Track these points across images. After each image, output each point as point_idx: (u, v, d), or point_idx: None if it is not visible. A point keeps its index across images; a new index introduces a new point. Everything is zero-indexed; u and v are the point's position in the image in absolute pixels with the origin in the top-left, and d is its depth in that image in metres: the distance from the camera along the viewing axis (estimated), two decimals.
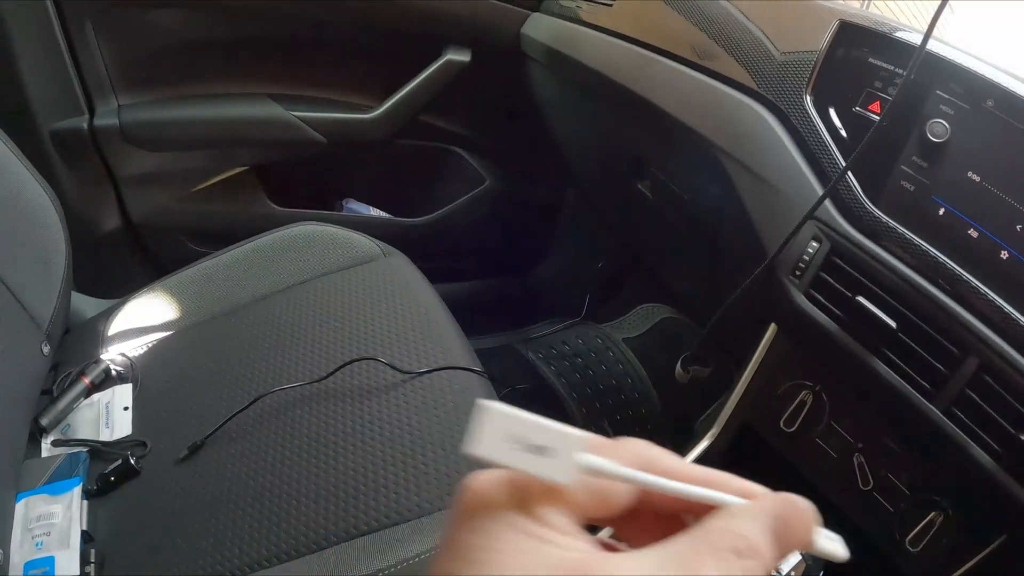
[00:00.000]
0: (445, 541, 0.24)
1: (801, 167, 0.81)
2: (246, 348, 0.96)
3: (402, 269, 1.07)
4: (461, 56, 1.34)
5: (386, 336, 0.95)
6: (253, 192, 1.43)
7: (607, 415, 1.47)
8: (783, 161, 0.82)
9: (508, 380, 1.47)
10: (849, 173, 0.77)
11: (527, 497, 0.25)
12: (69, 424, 0.91)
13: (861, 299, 0.74)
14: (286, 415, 0.87)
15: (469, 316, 1.39)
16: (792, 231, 0.77)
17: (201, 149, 1.36)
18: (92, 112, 1.25)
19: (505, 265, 1.68)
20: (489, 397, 0.93)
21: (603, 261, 1.67)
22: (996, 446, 0.71)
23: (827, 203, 0.78)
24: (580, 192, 1.61)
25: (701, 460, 0.94)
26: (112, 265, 1.40)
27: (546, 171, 1.58)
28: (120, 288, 1.14)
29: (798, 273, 0.79)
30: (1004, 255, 0.70)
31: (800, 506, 0.27)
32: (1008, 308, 0.69)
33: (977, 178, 0.72)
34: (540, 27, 1.30)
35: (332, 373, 0.89)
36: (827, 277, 0.77)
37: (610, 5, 1.18)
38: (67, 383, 0.93)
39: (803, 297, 0.79)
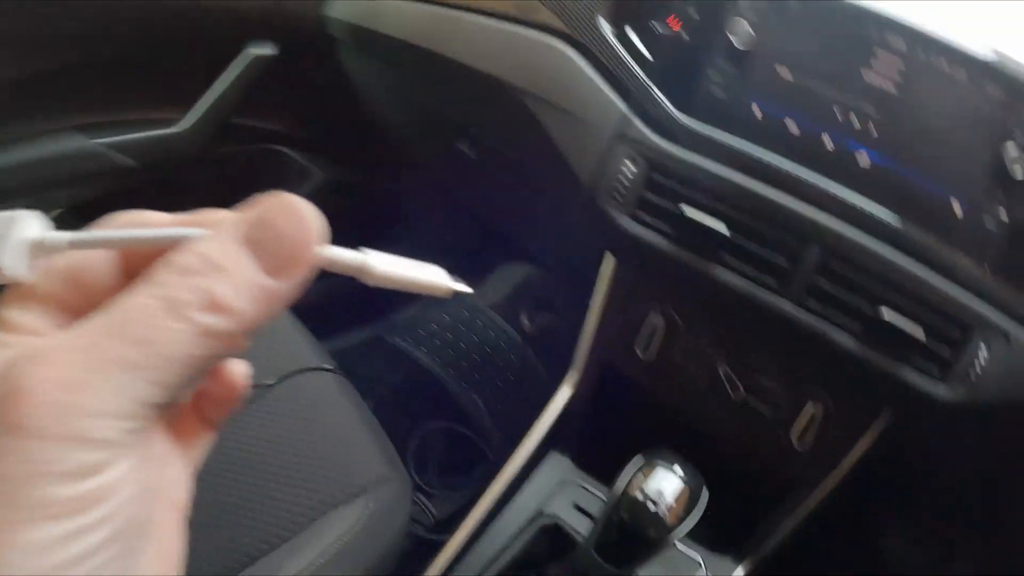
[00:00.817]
0: None
1: (605, 93, 0.78)
2: None
3: None
4: (265, 50, 1.25)
5: None
6: None
7: (489, 384, 1.44)
8: (585, 89, 0.79)
9: (381, 372, 1.43)
10: (655, 89, 0.76)
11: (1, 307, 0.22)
12: None
13: (686, 207, 0.72)
14: None
15: (327, 316, 1.32)
16: (604, 154, 0.75)
17: (9, 199, 1.23)
18: None
19: None
20: (343, 393, 0.88)
21: (451, 233, 1.64)
22: (854, 325, 0.71)
23: (638, 123, 0.76)
24: (414, 167, 1.56)
25: (569, 408, 0.91)
26: None
27: (377, 154, 1.51)
28: None
29: (619, 198, 0.77)
30: (827, 143, 0.71)
31: (295, 207, 0.23)
32: (838, 191, 0.70)
33: (788, 73, 0.73)
34: (343, 6, 1.23)
35: None
36: (650, 195, 0.75)
37: None
38: None
39: (629, 220, 0.76)
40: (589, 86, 0.79)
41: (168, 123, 1.26)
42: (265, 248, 0.22)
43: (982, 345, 0.69)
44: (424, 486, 1.27)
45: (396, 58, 1.14)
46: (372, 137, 1.42)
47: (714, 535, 0.89)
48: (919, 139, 0.70)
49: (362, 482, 0.78)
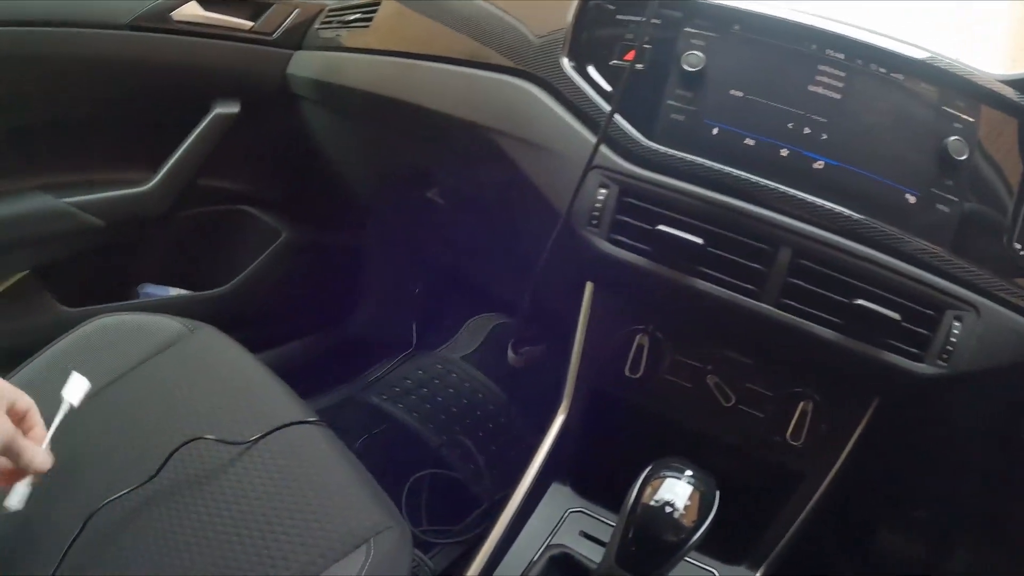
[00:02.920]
0: None
1: (573, 125, 0.82)
2: (62, 465, 0.84)
3: (212, 341, 0.99)
4: (230, 108, 1.27)
5: (210, 413, 0.87)
6: (38, 298, 1.27)
7: (469, 435, 1.44)
8: (554, 124, 0.83)
9: (360, 430, 1.42)
10: (620, 118, 0.80)
11: None
12: None
13: (663, 227, 0.76)
14: (124, 528, 0.77)
15: (301, 377, 1.33)
16: (578, 183, 0.78)
17: None
18: None
19: (323, 316, 1.60)
20: (331, 444, 0.86)
21: (419, 286, 1.64)
22: (833, 318, 0.75)
23: (606, 150, 0.80)
24: (379, 222, 1.58)
25: (564, 437, 0.93)
26: None
27: (341, 210, 1.53)
28: None
29: (595, 223, 0.80)
30: (783, 152, 0.77)
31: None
32: (800, 195, 0.75)
33: (740, 93, 0.78)
34: (305, 64, 1.26)
35: (161, 468, 0.80)
36: (625, 218, 0.79)
37: (367, 25, 1.16)
38: None
39: (607, 243, 0.80)
40: (557, 121, 0.83)
41: (136, 183, 1.26)
42: None
43: (954, 321, 0.74)
44: (418, 537, 1.25)
45: (360, 110, 1.16)
46: (334, 194, 1.43)
47: (725, 545, 0.90)
48: (867, 139, 0.75)
49: (360, 532, 0.75)
